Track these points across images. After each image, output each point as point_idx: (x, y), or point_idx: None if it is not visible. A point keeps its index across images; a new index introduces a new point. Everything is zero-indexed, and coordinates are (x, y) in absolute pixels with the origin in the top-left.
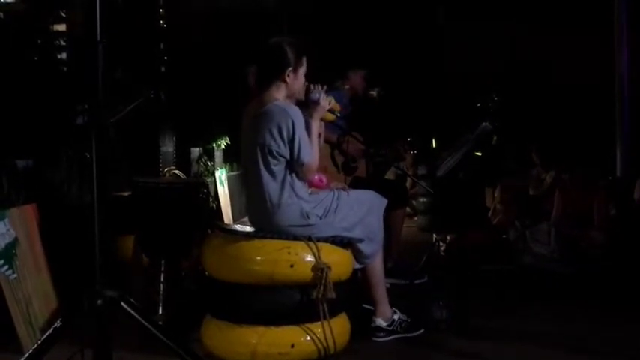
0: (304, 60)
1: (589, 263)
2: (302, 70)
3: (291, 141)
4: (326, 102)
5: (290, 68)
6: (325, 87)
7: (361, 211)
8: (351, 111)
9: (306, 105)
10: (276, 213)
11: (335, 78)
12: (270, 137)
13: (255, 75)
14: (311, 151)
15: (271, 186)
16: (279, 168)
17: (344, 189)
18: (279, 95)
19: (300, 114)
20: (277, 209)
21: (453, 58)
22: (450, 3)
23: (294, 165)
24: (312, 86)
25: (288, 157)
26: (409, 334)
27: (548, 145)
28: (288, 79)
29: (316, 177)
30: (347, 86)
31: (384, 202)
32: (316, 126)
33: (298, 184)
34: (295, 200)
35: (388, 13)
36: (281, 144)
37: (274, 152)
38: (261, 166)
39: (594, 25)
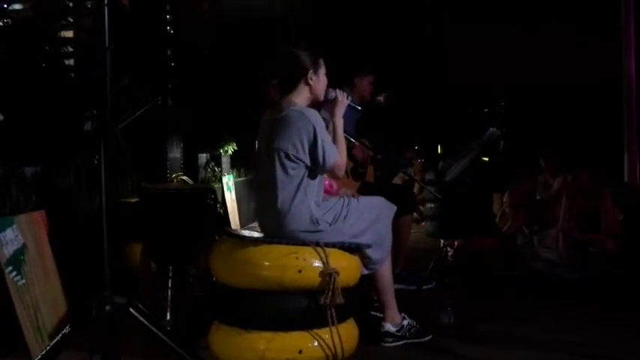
0: (321, 61)
1: (597, 269)
2: (322, 71)
3: (314, 145)
4: (344, 97)
5: (311, 71)
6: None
7: (370, 217)
8: (359, 117)
9: (326, 105)
10: (287, 217)
11: (341, 85)
12: (289, 142)
13: (276, 88)
14: (335, 151)
15: (286, 190)
16: (296, 172)
17: (353, 195)
18: (298, 100)
19: (319, 116)
20: (288, 213)
21: (458, 64)
22: (454, 7)
23: (319, 171)
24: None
25: (307, 162)
26: (418, 340)
27: (556, 150)
28: (311, 82)
29: (326, 182)
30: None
31: (393, 208)
32: (340, 123)
33: (312, 189)
34: (306, 205)
35: (394, 19)
36: (300, 149)
37: (292, 156)
38: (278, 171)
39: (601, 28)
